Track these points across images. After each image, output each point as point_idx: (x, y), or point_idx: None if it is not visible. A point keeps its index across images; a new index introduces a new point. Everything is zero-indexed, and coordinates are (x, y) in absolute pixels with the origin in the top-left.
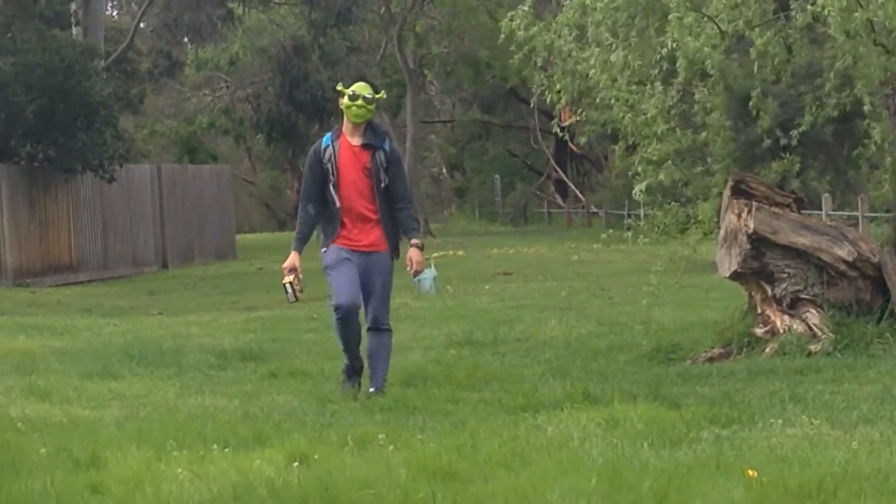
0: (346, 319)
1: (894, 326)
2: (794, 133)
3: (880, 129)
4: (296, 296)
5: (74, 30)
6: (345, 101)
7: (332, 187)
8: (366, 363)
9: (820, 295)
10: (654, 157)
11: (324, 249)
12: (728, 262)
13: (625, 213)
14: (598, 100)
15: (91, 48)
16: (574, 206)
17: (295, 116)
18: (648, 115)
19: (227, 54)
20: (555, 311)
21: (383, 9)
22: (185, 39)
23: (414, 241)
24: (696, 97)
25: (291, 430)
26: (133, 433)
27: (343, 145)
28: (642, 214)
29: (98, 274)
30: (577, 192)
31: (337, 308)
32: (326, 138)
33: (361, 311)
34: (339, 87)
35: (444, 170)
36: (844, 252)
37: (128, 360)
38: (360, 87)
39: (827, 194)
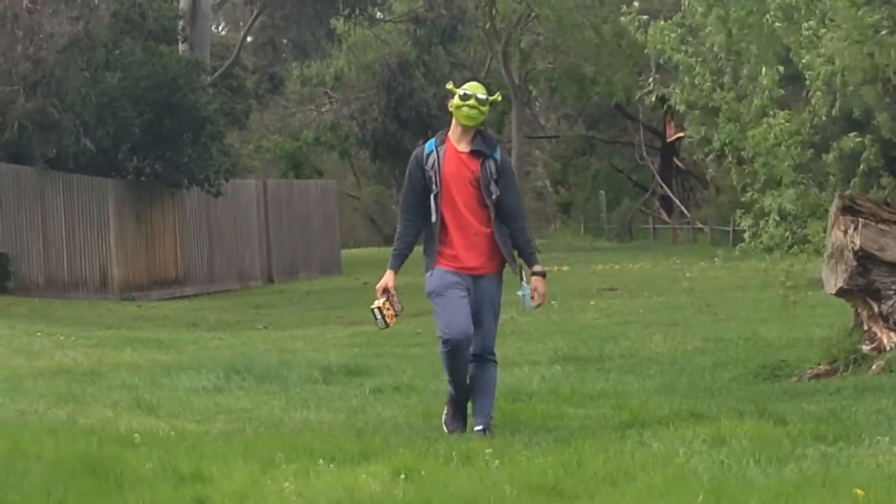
0: (456, 353)
1: None
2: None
3: None
4: (386, 321)
5: (181, 46)
6: (455, 101)
7: (433, 199)
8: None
9: None
10: (778, 178)
11: (428, 273)
12: (834, 279)
13: (731, 229)
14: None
15: (197, 63)
16: (679, 222)
17: (400, 133)
18: (775, 132)
19: (332, 70)
20: (660, 327)
21: (488, 24)
22: (288, 56)
23: (536, 267)
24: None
25: (397, 445)
26: (239, 447)
27: (448, 152)
28: (748, 231)
29: (204, 288)
30: (683, 208)
31: (446, 342)
32: (430, 144)
33: None
34: (450, 86)
35: (549, 185)
36: None
37: (234, 374)
38: (473, 87)
39: None
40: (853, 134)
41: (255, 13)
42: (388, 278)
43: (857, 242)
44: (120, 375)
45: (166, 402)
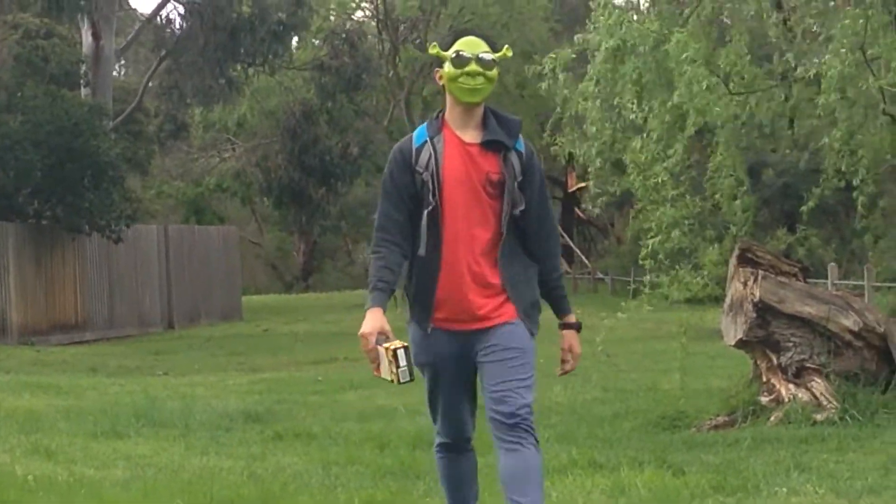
0: (453, 457)
1: None
2: (804, 208)
3: (887, 199)
4: (410, 373)
5: (84, 90)
6: (446, 69)
7: (426, 217)
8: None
9: (825, 364)
10: (665, 222)
11: (410, 324)
12: (734, 331)
13: (630, 279)
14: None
15: (99, 108)
16: (580, 272)
17: (304, 181)
18: (659, 179)
19: (235, 115)
20: (559, 377)
21: (391, 73)
22: (191, 102)
23: (568, 317)
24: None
25: (297, 493)
26: (138, 494)
27: (449, 144)
28: (648, 281)
29: (104, 333)
30: (583, 258)
31: (439, 446)
32: (420, 131)
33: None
34: (434, 50)
35: None
36: (850, 322)
37: (133, 419)
38: (470, 43)
39: (833, 263)
40: (743, 189)
41: (158, 58)
42: (374, 318)
43: (757, 294)
44: (18, 420)
45: (65, 448)
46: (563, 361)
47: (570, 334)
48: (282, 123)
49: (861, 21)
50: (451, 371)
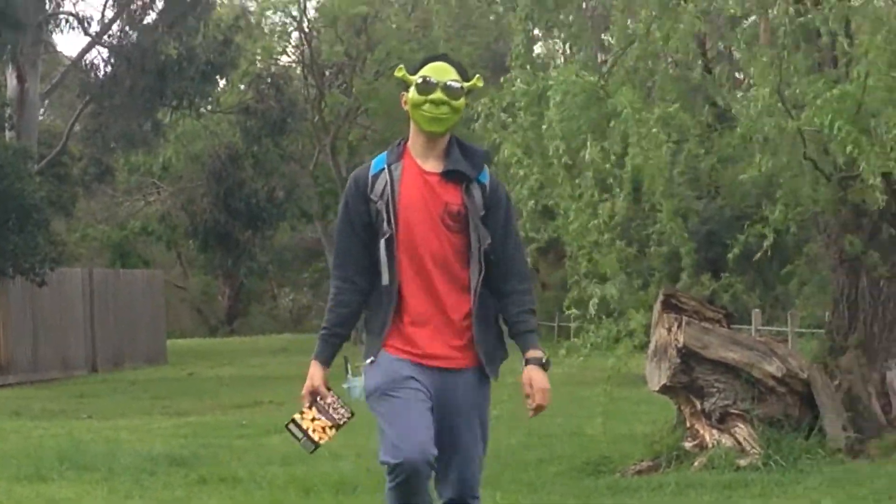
0: (411, 485)
1: (822, 442)
2: (730, 256)
3: (810, 246)
4: (313, 440)
5: (8, 133)
6: (410, 94)
7: (384, 246)
8: None
9: (749, 410)
10: (594, 269)
11: (368, 360)
12: (658, 376)
13: (555, 325)
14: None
15: (24, 151)
16: None
17: (230, 224)
18: (591, 225)
19: (160, 160)
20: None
21: (317, 118)
22: (117, 145)
23: (531, 351)
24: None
25: None
26: None
27: (409, 173)
28: (572, 328)
29: (27, 377)
30: None
31: (395, 468)
32: (378, 160)
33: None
34: (400, 73)
35: None
36: (773, 367)
37: (57, 463)
38: (437, 70)
39: (757, 309)
40: (681, 235)
41: (83, 102)
42: (314, 376)
43: (681, 340)
44: None
45: None
46: (527, 397)
47: (532, 370)
48: (207, 167)
49: (777, 61)
50: (409, 387)
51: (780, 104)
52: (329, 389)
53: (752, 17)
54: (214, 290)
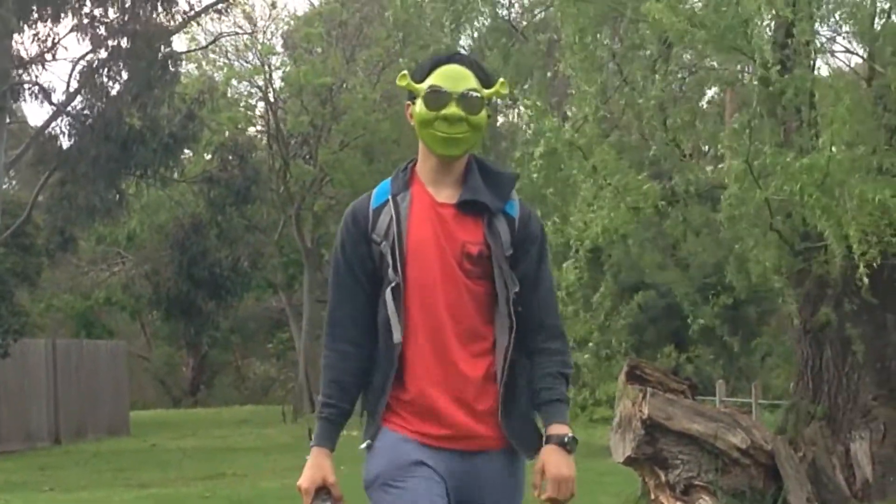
0: None
1: None
2: (694, 327)
3: (776, 317)
4: None
5: None
6: (417, 108)
7: (390, 298)
8: None
9: (713, 482)
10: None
11: (365, 444)
12: (622, 448)
13: None
14: None
15: None
16: None
17: (193, 294)
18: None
19: (125, 230)
20: None
21: (282, 188)
22: (81, 215)
23: (554, 426)
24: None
25: None
26: None
27: (419, 205)
28: None
29: None
30: None
31: None
32: (382, 189)
33: None
34: (403, 81)
35: None
36: (738, 439)
37: None
38: (452, 76)
39: (721, 381)
40: (633, 302)
41: (47, 172)
42: (321, 466)
43: (646, 411)
44: None
45: None
46: (534, 486)
47: (547, 448)
48: (171, 236)
49: (746, 131)
50: (418, 475)
51: (749, 174)
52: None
53: (715, 89)
54: (178, 361)
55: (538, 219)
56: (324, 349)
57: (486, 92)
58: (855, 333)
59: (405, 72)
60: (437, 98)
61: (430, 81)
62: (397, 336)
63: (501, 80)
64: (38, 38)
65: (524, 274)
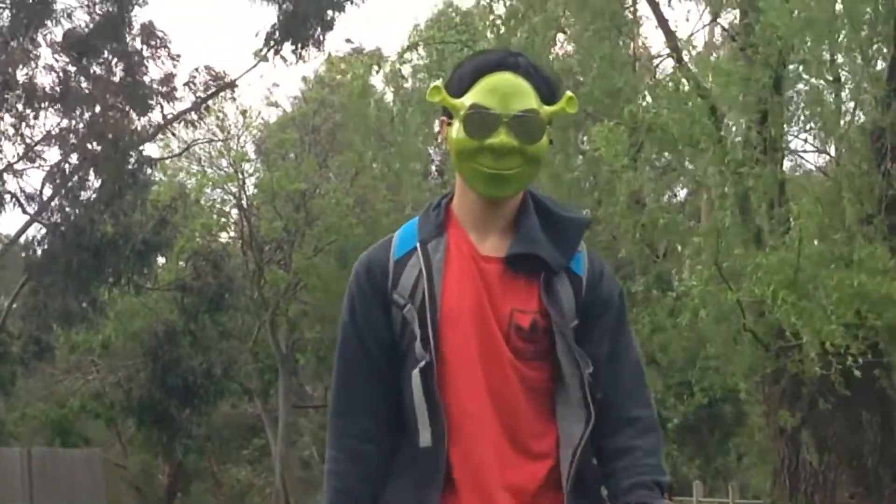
0: None
1: None
2: (669, 426)
3: (752, 416)
4: None
5: None
6: (454, 131)
7: (418, 382)
8: None
9: None
10: None
11: None
12: None
13: None
14: None
15: None
16: None
17: (166, 402)
18: None
19: (100, 338)
20: None
21: (256, 294)
22: (56, 323)
23: None
24: None
25: None
26: None
27: (455, 254)
28: None
29: None
30: None
31: None
32: (407, 234)
33: None
34: (438, 96)
35: (316, 454)
36: None
37: None
38: (502, 90)
39: (698, 481)
40: None
41: (22, 280)
42: None
43: None
44: None
45: None
46: None
47: None
48: (145, 344)
49: (716, 234)
50: None
51: (719, 277)
52: None
53: (685, 191)
54: (154, 469)
55: (613, 277)
56: (327, 450)
57: (549, 110)
58: (831, 431)
59: (438, 83)
60: (481, 122)
61: (472, 97)
62: (425, 438)
63: (569, 94)
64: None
65: (596, 351)
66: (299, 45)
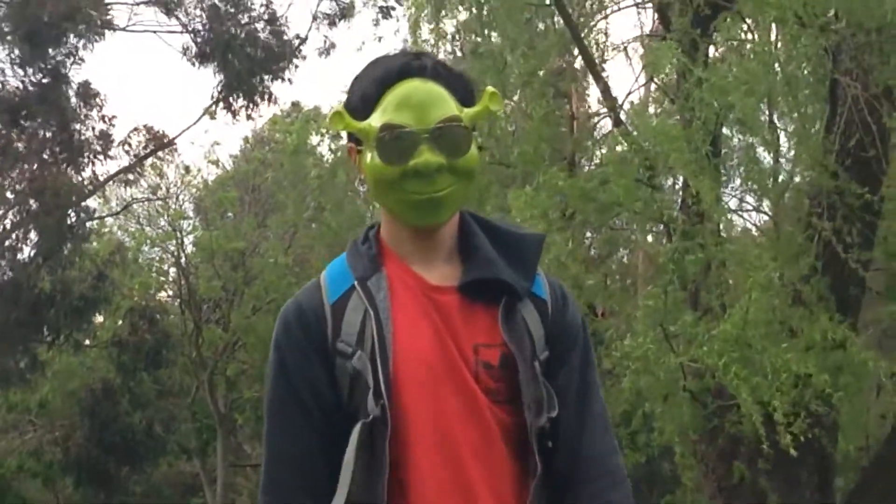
0: None
1: None
2: None
3: (690, 475)
4: None
5: None
6: (368, 159)
7: (363, 434)
8: None
9: None
10: None
11: None
12: None
13: None
14: None
15: None
16: None
17: (105, 459)
18: None
19: (37, 397)
20: None
21: (194, 353)
22: None
23: None
24: None
25: None
26: None
27: (400, 289)
28: None
29: None
30: None
31: None
32: (336, 274)
33: None
34: (340, 124)
35: None
36: None
37: None
38: (412, 100)
39: None
40: None
41: None
42: None
43: None
44: None
45: None
46: None
47: None
48: (82, 402)
49: (661, 298)
50: None
51: (663, 340)
52: None
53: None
54: None
55: (575, 301)
56: None
57: (471, 113)
58: (769, 488)
59: (338, 107)
60: (397, 143)
61: (380, 116)
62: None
63: (490, 89)
64: None
65: (564, 386)
66: (249, 103)
